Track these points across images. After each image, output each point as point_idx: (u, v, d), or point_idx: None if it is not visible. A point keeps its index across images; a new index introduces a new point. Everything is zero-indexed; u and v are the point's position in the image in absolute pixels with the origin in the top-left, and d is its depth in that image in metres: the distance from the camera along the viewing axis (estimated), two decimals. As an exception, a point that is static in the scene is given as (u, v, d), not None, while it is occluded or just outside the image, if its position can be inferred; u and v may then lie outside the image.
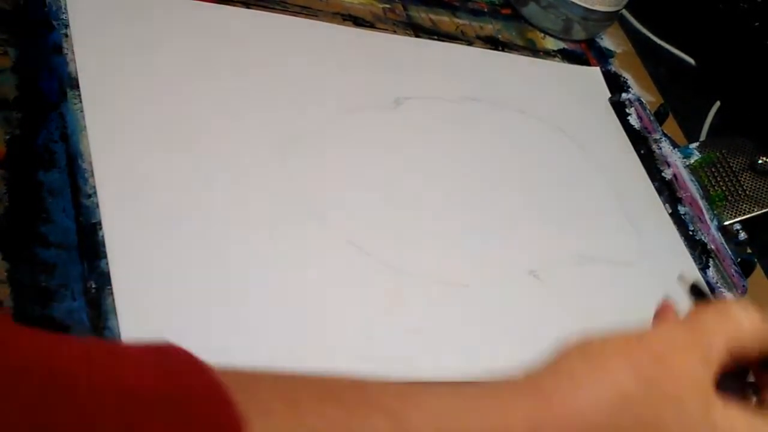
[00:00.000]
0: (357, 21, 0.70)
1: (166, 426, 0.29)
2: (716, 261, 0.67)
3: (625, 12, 0.86)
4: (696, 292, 0.55)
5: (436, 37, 0.73)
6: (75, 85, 0.54)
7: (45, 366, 0.28)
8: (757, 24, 0.80)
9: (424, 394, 0.36)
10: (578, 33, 0.80)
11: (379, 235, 0.56)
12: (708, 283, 0.66)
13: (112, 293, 0.46)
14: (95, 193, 0.49)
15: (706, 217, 0.69)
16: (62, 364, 0.28)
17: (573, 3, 0.77)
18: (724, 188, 0.73)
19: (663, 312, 0.45)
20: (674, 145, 0.75)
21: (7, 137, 0.50)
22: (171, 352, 0.31)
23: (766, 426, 0.41)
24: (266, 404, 0.32)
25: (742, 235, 0.70)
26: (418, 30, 0.73)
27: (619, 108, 0.76)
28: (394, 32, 0.71)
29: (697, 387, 0.40)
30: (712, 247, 0.68)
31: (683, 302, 0.48)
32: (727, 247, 0.68)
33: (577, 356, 0.39)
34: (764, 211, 0.72)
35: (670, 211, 0.70)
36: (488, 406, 0.37)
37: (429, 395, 0.36)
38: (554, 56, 0.79)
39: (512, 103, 0.71)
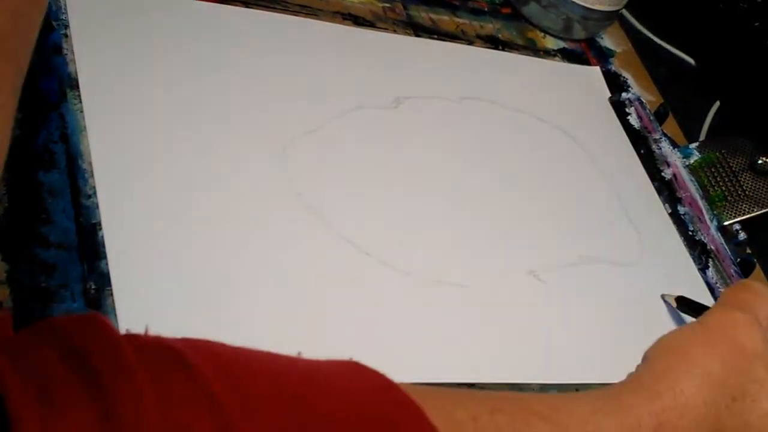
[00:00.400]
0: (357, 20, 0.70)
1: None
2: (716, 261, 0.67)
3: (625, 12, 0.86)
4: (685, 303, 0.58)
5: (436, 37, 0.73)
6: (75, 85, 0.54)
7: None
8: (757, 24, 0.80)
9: (569, 401, 0.42)
10: (578, 32, 0.80)
11: (378, 234, 0.56)
12: (708, 283, 0.66)
13: (112, 294, 0.46)
14: (95, 193, 0.49)
15: (706, 217, 0.69)
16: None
17: (573, 2, 0.77)
18: (723, 188, 0.73)
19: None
20: (674, 145, 0.75)
21: (7, 137, 0.50)
22: (359, 371, 0.35)
23: None
24: (451, 416, 0.37)
25: (742, 236, 0.70)
26: (418, 29, 0.73)
27: (619, 107, 0.76)
28: (394, 31, 0.71)
29: (763, 358, 0.46)
30: (712, 247, 0.68)
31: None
32: (726, 247, 0.68)
33: (664, 354, 0.45)
34: (764, 211, 0.72)
35: (669, 211, 0.70)
36: (620, 407, 0.42)
37: (573, 402, 0.42)
38: (554, 56, 0.79)
39: (512, 102, 0.71)
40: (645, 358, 0.46)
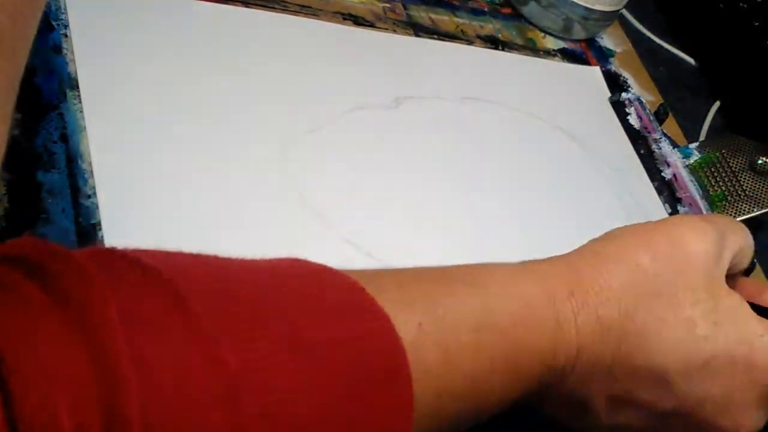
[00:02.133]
0: (357, 20, 0.70)
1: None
2: (716, 261, 0.67)
3: (625, 12, 0.86)
4: None
5: (436, 37, 0.73)
6: (75, 85, 0.54)
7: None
8: (757, 24, 0.80)
9: (490, 266, 0.43)
10: (578, 32, 0.80)
11: (378, 234, 0.56)
12: (707, 283, 0.66)
13: (111, 294, 0.46)
14: (95, 193, 0.49)
15: (706, 217, 0.69)
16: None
17: (573, 2, 0.77)
18: (723, 188, 0.73)
19: None
20: (674, 144, 0.75)
21: (7, 137, 0.50)
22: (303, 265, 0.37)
23: (759, 319, 0.45)
24: (379, 282, 0.38)
25: (742, 236, 0.70)
26: (418, 29, 0.73)
27: (619, 107, 0.76)
28: (394, 31, 0.71)
29: (709, 267, 0.44)
30: (712, 247, 0.68)
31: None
32: (726, 247, 0.68)
33: (600, 240, 0.46)
34: (764, 211, 0.72)
35: (669, 211, 0.70)
36: (538, 273, 0.43)
37: (494, 267, 0.43)
38: (554, 56, 0.79)
39: (512, 102, 0.71)
40: (584, 245, 0.46)
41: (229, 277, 0.33)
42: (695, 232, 0.44)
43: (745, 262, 0.49)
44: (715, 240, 0.45)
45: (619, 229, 0.46)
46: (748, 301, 0.46)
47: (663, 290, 0.43)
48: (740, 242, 0.47)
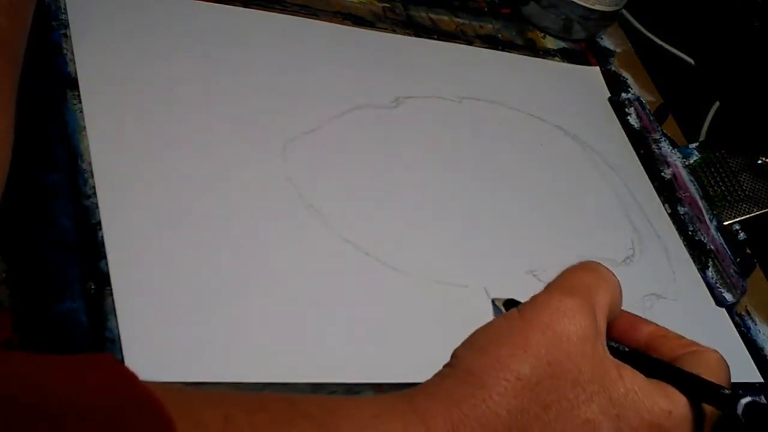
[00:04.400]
0: (357, 20, 0.70)
1: None
2: (716, 261, 0.67)
3: (624, 12, 0.86)
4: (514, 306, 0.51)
5: (435, 37, 0.73)
6: (74, 85, 0.54)
7: None
8: (757, 24, 0.80)
9: (346, 404, 0.37)
10: (578, 32, 0.80)
11: (378, 234, 0.56)
12: (707, 283, 0.66)
13: (111, 294, 0.46)
14: (95, 193, 0.49)
15: (706, 217, 0.69)
16: None
17: (573, 2, 0.77)
18: (723, 188, 0.73)
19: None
20: (674, 145, 0.75)
21: (7, 137, 0.50)
22: (100, 362, 0.31)
23: (659, 387, 0.40)
24: (198, 416, 0.32)
25: (742, 235, 0.70)
26: (417, 29, 0.73)
27: (619, 107, 0.76)
28: (394, 32, 0.71)
29: (590, 352, 0.39)
30: (712, 247, 0.68)
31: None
32: (726, 247, 0.68)
33: (470, 353, 0.40)
34: (764, 211, 0.72)
35: (669, 211, 0.70)
36: (407, 411, 0.37)
37: (351, 404, 0.37)
38: (554, 56, 0.79)
39: (512, 102, 0.71)
40: (453, 356, 0.40)
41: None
42: (567, 318, 0.39)
43: (618, 310, 0.44)
44: (587, 315, 0.40)
45: (485, 332, 0.40)
46: (611, 344, 0.42)
47: (551, 399, 0.38)
48: (609, 296, 0.42)
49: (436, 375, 0.40)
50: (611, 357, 0.40)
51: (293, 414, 0.35)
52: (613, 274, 0.43)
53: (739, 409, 0.39)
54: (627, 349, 0.43)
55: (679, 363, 0.43)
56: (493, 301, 0.51)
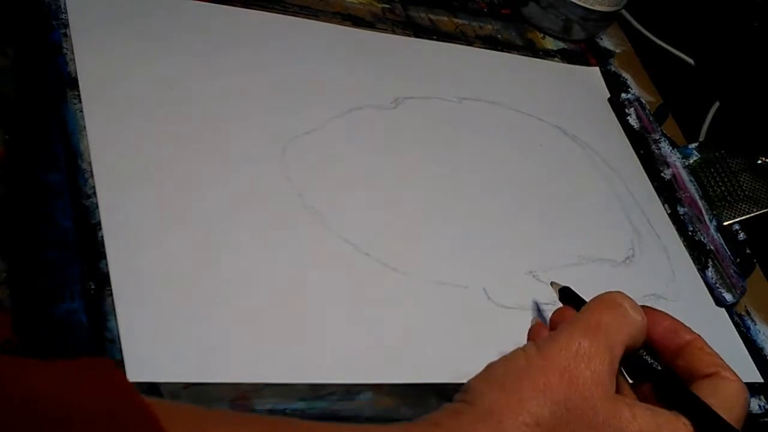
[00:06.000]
0: (356, 21, 0.70)
1: None
2: (715, 261, 0.67)
3: (624, 12, 0.86)
4: (568, 295, 0.52)
5: (435, 37, 0.73)
6: (75, 85, 0.54)
7: None
8: (757, 24, 0.80)
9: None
10: (578, 33, 0.80)
11: (377, 234, 0.56)
12: (707, 283, 0.66)
13: (111, 294, 0.46)
14: (95, 193, 0.49)
15: (706, 217, 0.69)
16: None
17: (573, 3, 0.77)
18: (723, 188, 0.73)
19: (559, 317, 0.46)
20: (673, 145, 0.75)
21: (7, 137, 0.50)
22: (98, 368, 0.31)
23: (669, 422, 0.41)
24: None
25: (742, 236, 0.70)
26: (417, 30, 0.73)
27: (619, 108, 0.76)
28: (394, 32, 0.71)
29: (606, 394, 0.40)
30: (712, 247, 0.68)
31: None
32: (726, 247, 0.68)
33: (488, 389, 0.40)
34: (764, 211, 0.72)
35: (669, 211, 0.70)
36: None
37: None
38: (554, 56, 0.79)
39: (512, 103, 0.71)
40: (469, 388, 0.40)
41: None
42: (584, 362, 0.40)
43: (641, 341, 0.44)
44: (603, 359, 0.41)
45: (504, 368, 0.41)
46: (645, 357, 0.44)
47: None
48: (628, 337, 0.43)
49: (452, 409, 0.40)
50: (622, 398, 0.41)
51: None
52: (638, 310, 0.44)
53: None
54: (658, 368, 0.44)
55: (701, 382, 0.44)
56: (551, 283, 0.53)
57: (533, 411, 0.39)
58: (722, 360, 0.45)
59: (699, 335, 0.46)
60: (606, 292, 0.45)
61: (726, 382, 0.44)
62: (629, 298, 0.44)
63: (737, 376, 0.44)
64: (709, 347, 0.46)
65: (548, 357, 0.40)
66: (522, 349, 0.42)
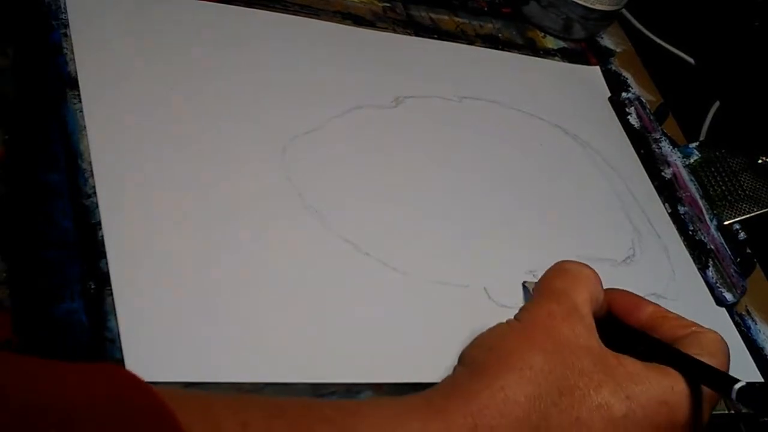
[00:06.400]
0: (357, 20, 0.70)
1: None
2: (716, 261, 0.67)
3: (625, 11, 0.86)
4: None
5: (436, 36, 0.73)
6: (74, 85, 0.54)
7: None
8: (757, 24, 0.80)
9: (364, 406, 0.38)
10: (578, 32, 0.80)
11: (377, 234, 0.56)
12: (708, 283, 0.66)
13: (111, 293, 0.46)
14: (95, 193, 0.49)
15: (706, 216, 0.69)
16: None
17: (573, 2, 0.77)
18: (723, 188, 0.73)
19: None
20: (674, 144, 0.75)
21: (7, 137, 0.50)
22: (114, 373, 0.31)
23: (657, 369, 0.43)
24: (215, 422, 0.33)
25: (742, 235, 0.70)
26: (418, 29, 0.73)
27: (619, 107, 0.76)
28: (394, 31, 0.71)
29: (587, 346, 0.43)
30: (712, 247, 0.68)
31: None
32: (726, 246, 0.68)
33: (480, 352, 0.43)
34: (764, 210, 0.72)
35: (669, 210, 0.70)
36: (425, 410, 0.39)
37: (369, 406, 0.38)
38: (554, 55, 0.79)
39: (512, 102, 0.71)
40: (461, 358, 0.43)
41: None
42: (557, 320, 0.43)
43: (600, 297, 0.47)
44: (573, 317, 0.43)
45: (490, 335, 0.44)
46: (615, 323, 0.46)
47: (564, 386, 0.41)
48: (586, 292, 0.45)
49: (449, 376, 0.42)
50: (605, 347, 0.43)
51: (311, 418, 0.36)
52: (585, 265, 0.47)
53: (734, 394, 0.42)
54: (630, 328, 0.46)
55: (678, 344, 0.46)
56: (523, 284, 0.56)
57: (525, 357, 0.41)
58: (690, 320, 0.47)
59: (658, 304, 0.48)
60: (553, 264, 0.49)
61: (703, 335, 0.46)
62: (571, 260, 0.48)
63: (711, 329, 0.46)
64: (673, 314, 0.48)
65: (526, 320, 0.44)
66: (505, 321, 0.45)
